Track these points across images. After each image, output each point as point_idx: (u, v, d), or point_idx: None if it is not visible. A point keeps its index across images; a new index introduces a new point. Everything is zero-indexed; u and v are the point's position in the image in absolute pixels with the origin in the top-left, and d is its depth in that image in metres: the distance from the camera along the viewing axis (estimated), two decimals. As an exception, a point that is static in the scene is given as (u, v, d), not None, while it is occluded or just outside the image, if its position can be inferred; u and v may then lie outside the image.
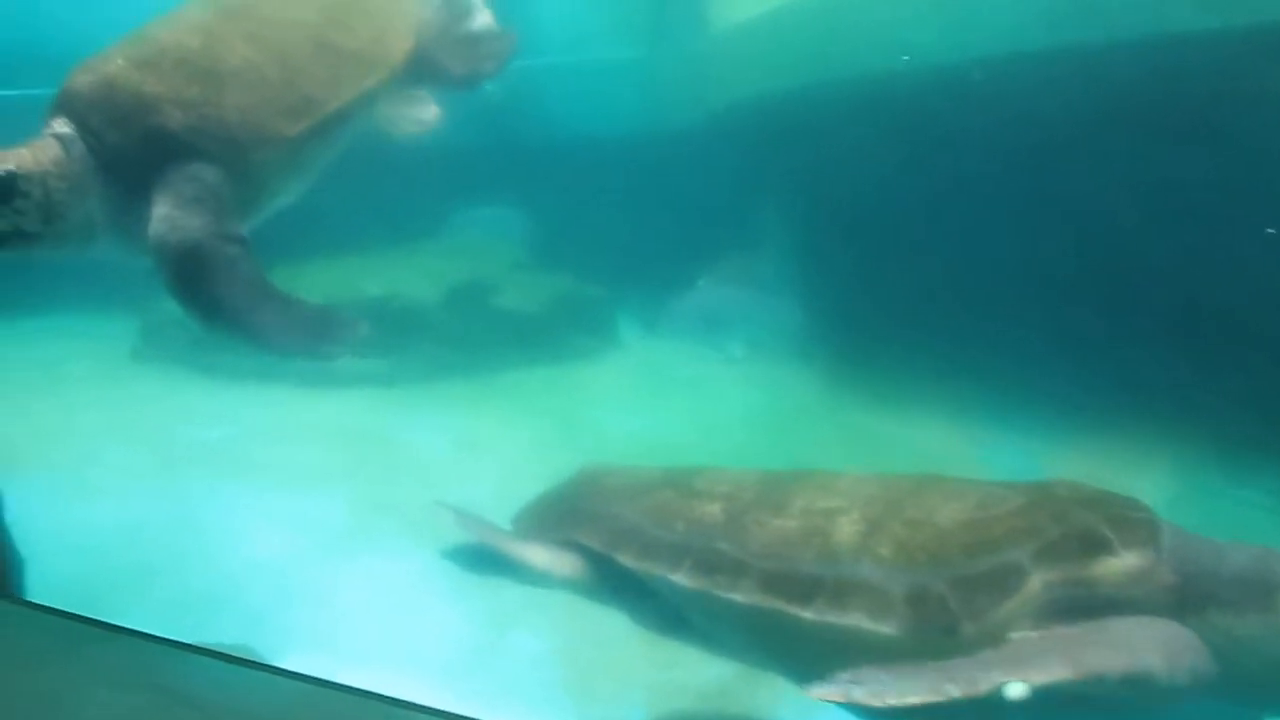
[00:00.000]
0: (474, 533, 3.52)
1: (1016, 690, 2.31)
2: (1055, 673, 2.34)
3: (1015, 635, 2.51)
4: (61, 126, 3.51)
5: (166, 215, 3.47)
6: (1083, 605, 2.52)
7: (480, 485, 4.75)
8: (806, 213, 6.56)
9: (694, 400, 6.00)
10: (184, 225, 3.47)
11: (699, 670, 3.21)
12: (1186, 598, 2.52)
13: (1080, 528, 2.61)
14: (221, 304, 3.48)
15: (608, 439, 5.33)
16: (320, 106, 3.88)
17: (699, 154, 6.75)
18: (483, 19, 4.68)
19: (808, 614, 2.67)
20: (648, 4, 7.84)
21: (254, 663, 2.76)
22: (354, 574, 3.95)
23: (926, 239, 5.54)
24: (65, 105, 3.56)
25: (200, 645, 2.79)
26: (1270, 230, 4.14)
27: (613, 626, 3.64)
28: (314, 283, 6.52)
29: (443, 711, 2.32)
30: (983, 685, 2.31)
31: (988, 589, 2.55)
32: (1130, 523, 2.61)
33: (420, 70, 4.45)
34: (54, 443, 4.87)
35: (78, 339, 6.27)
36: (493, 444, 5.21)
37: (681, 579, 2.93)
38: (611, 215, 6.91)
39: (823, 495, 2.94)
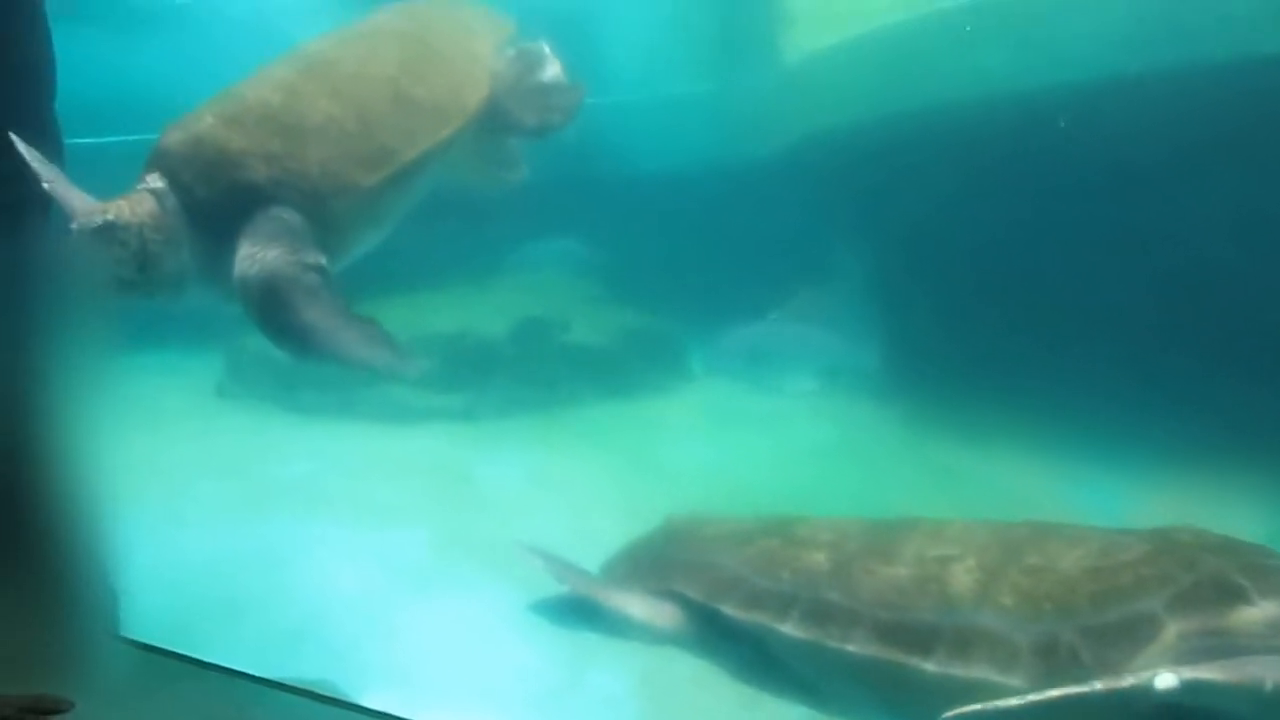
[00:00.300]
0: (566, 580, 3.47)
1: (1166, 681, 2.25)
2: (1209, 673, 2.28)
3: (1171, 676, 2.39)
4: (155, 181, 3.68)
5: (248, 253, 3.64)
6: (1218, 656, 2.41)
7: (555, 521, 4.78)
8: (879, 245, 6.52)
9: (767, 435, 5.97)
10: (263, 258, 3.62)
11: (781, 712, 3.18)
12: None
13: (1213, 575, 2.51)
14: (302, 329, 3.59)
15: (680, 474, 5.33)
16: (397, 157, 4.01)
17: (770, 187, 6.77)
18: (553, 70, 4.78)
19: (929, 666, 2.60)
20: (717, 39, 7.89)
21: (335, 700, 2.81)
22: (433, 611, 3.99)
23: (1006, 272, 5.47)
24: (158, 160, 3.73)
25: (284, 681, 2.85)
26: None
27: (690, 667, 3.64)
28: (389, 319, 6.68)
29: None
30: (1128, 679, 2.27)
31: (1120, 639, 2.46)
32: (1265, 570, 2.51)
33: (493, 120, 4.55)
34: (147, 477, 5.01)
35: (169, 375, 6.46)
36: (567, 480, 5.25)
37: (790, 629, 2.88)
38: (682, 250, 6.95)
39: (933, 542, 2.87)
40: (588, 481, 5.16)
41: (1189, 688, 2.26)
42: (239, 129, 3.76)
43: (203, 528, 4.61)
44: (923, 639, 2.63)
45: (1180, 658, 2.40)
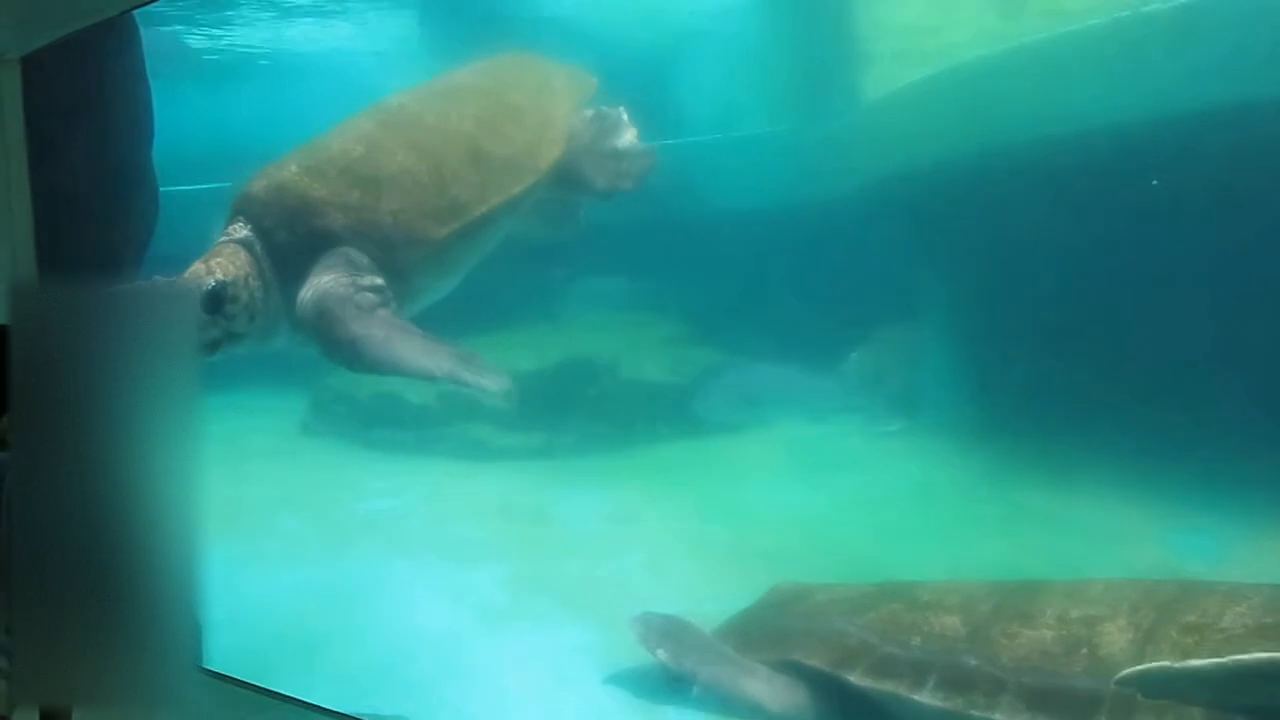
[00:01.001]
0: (677, 660, 3.29)
1: None
2: None
3: None
4: (241, 230, 3.83)
5: (310, 284, 3.78)
6: None
7: (632, 559, 4.76)
8: (961, 283, 6.41)
9: (849, 475, 5.88)
10: (317, 282, 3.77)
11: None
12: None
13: None
14: (353, 340, 3.70)
15: (759, 515, 5.27)
16: (468, 211, 4.15)
17: (850, 225, 6.71)
18: (629, 135, 4.86)
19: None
20: (798, 79, 7.89)
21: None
22: (511, 649, 3.99)
23: (1093, 311, 5.33)
24: (243, 209, 3.89)
25: (360, 716, 2.86)
26: None
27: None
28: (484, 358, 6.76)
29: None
30: None
31: None
32: None
33: (564, 179, 4.62)
34: (232, 513, 5.12)
35: (254, 414, 6.61)
36: (645, 518, 5.22)
37: (927, 698, 2.70)
38: (764, 288, 6.92)
39: (1075, 603, 2.70)
40: (664, 521, 5.13)
41: None
42: (319, 178, 3.94)
43: (285, 564, 4.69)
44: (1080, 706, 2.46)
45: None
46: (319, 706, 2.83)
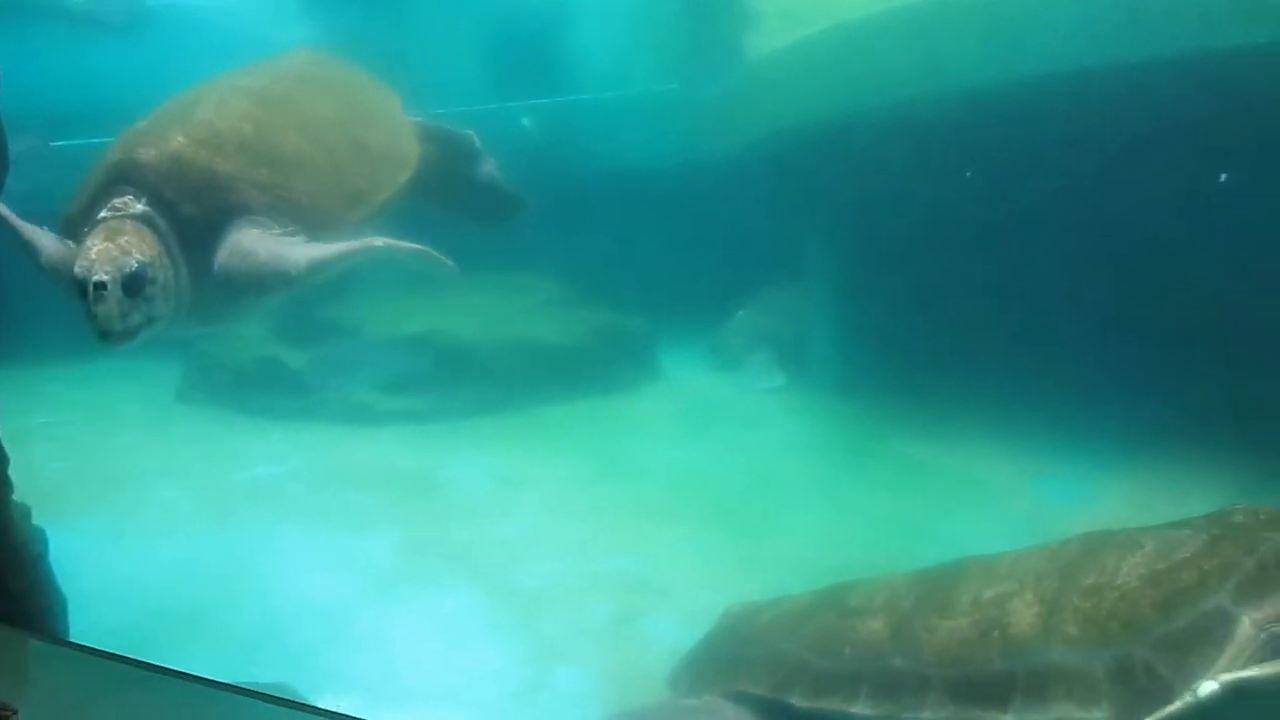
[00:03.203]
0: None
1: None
2: None
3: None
4: (136, 204, 3.56)
5: (226, 246, 3.60)
6: None
7: (523, 520, 4.74)
8: (845, 242, 6.51)
9: (737, 431, 5.95)
10: (235, 240, 3.61)
11: None
12: None
13: (1277, 553, 2.36)
14: (283, 254, 3.58)
15: (650, 473, 5.30)
16: (369, 198, 4.07)
17: (736, 185, 6.75)
18: (487, 168, 4.82)
19: (1008, 717, 2.44)
20: (683, 39, 7.87)
21: (291, 702, 2.75)
22: (398, 614, 3.94)
23: (969, 267, 5.47)
24: (130, 178, 3.60)
25: (242, 686, 2.79)
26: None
27: (654, 660, 3.61)
28: (357, 321, 6.63)
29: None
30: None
31: (1196, 645, 2.30)
32: None
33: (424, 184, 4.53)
34: (107, 485, 4.93)
35: (125, 382, 6.36)
36: (535, 480, 5.20)
37: (861, 709, 2.68)
38: (650, 247, 6.91)
39: (986, 582, 2.69)
40: (555, 481, 5.12)
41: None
42: (220, 153, 3.72)
43: (163, 535, 4.53)
44: (998, 691, 2.46)
45: (1262, 649, 2.27)
46: (194, 676, 2.73)
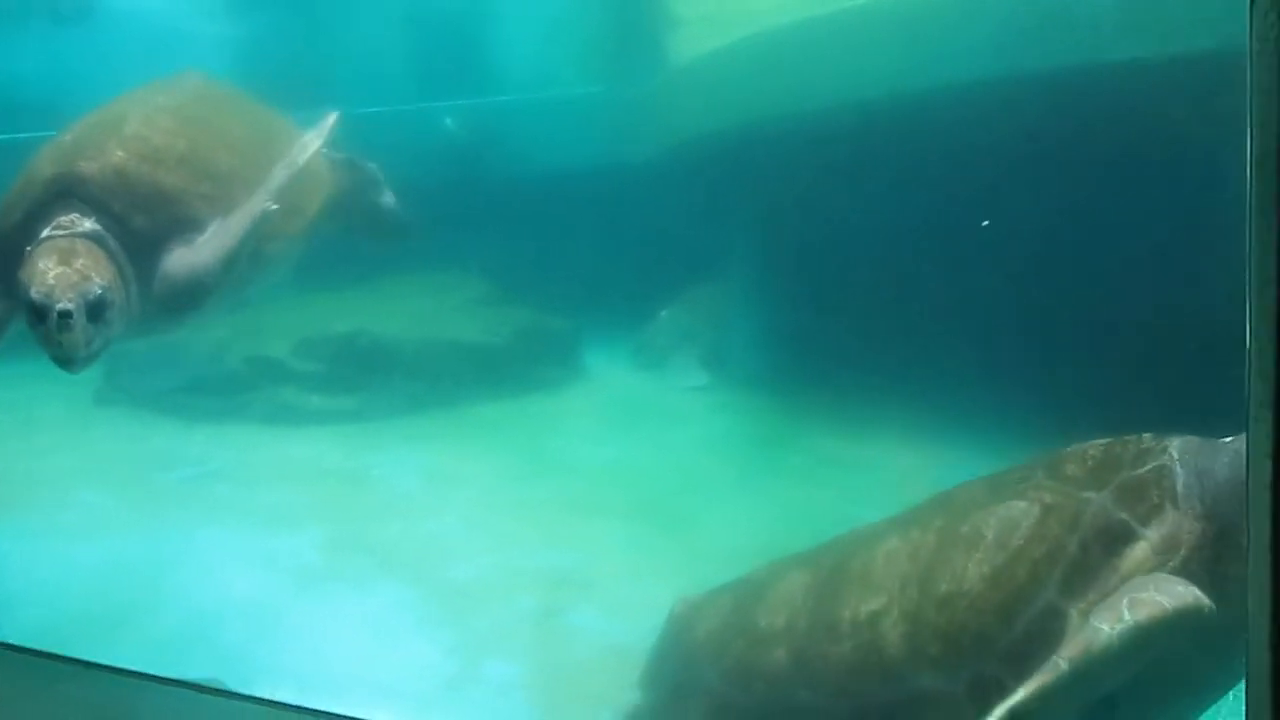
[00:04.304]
0: None
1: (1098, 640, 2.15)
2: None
3: None
4: (84, 221, 3.53)
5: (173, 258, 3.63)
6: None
7: (452, 517, 4.81)
8: (764, 244, 6.69)
9: (661, 428, 6.07)
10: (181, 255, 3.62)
11: None
12: (1221, 533, 2.29)
13: (1096, 524, 2.36)
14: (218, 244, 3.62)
15: (577, 469, 5.40)
16: (303, 212, 4.14)
17: (659, 187, 6.88)
18: (387, 199, 4.88)
19: None
20: (607, 42, 7.99)
21: (225, 692, 2.79)
22: (327, 610, 3.99)
23: (882, 271, 5.68)
24: (74, 192, 3.57)
25: (174, 679, 2.83)
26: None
27: (581, 652, 3.72)
28: (283, 321, 6.60)
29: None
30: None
31: (1035, 650, 2.31)
32: (1142, 485, 2.38)
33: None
34: (26, 486, 4.88)
35: (42, 383, 6.23)
36: (462, 477, 5.27)
37: None
38: (573, 248, 7.01)
39: (864, 595, 2.64)
40: (484, 479, 5.19)
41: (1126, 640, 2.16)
42: (162, 166, 3.73)
43: (85, 536, 4.51)
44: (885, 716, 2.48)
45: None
46: (127, 670, 2.77)
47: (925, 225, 5.47)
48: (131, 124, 3.85)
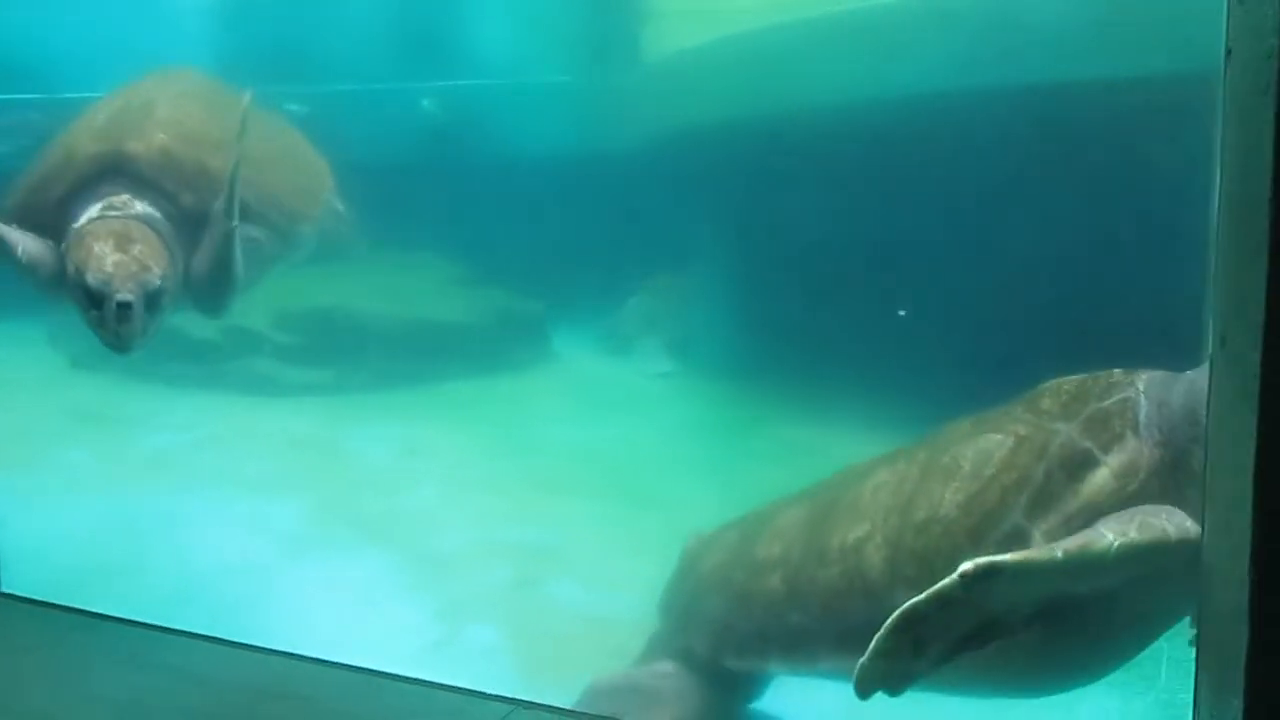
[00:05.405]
0: None
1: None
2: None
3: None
4: (135, 203, 3.55)
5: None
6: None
7: (429, 491, 4.98)
8: (732, 236, 6.91)
9: (628, 411, 6.27)
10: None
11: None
12: (1176, 460, 2.41)
13: (1062, 453, 2.50)
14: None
15: (547, 448, 5.57)
16: (320, 195, 4.24)
17: (631, 177, 7.06)
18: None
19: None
20: (586, 32, 8.13)
21: (233, 642, 2.95)
22: (313, 575, 4.14)
23: (845, 265, 5.93)
24: (125, 170, 3.60)
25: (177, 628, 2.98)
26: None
27: (558, 619, 3.93)
28: (262, 295, 6.68)
29: (415, 680, 2.56)
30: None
31: None
32: (1107, 416, 2.52)
33: None
34: (9, 445, 4.94)
35: (21, 347, 6.30)
36: (437, 452, 5.43)
37: (774, 665, 2.91)
38: (546, 233, 7.17)
39: (852, 522, 2.82)
40: (458, 455, 5.35)
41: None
42: (206, 150, 3.77)
43: (71, 496, 4.61)
44: (866, 637, 2.56)
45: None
46: (134, 620, 2.92)
47: (887, 223, 5.73)
48: (163, 109, 3.91)
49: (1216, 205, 1.37)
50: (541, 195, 7.16)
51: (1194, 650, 1.99)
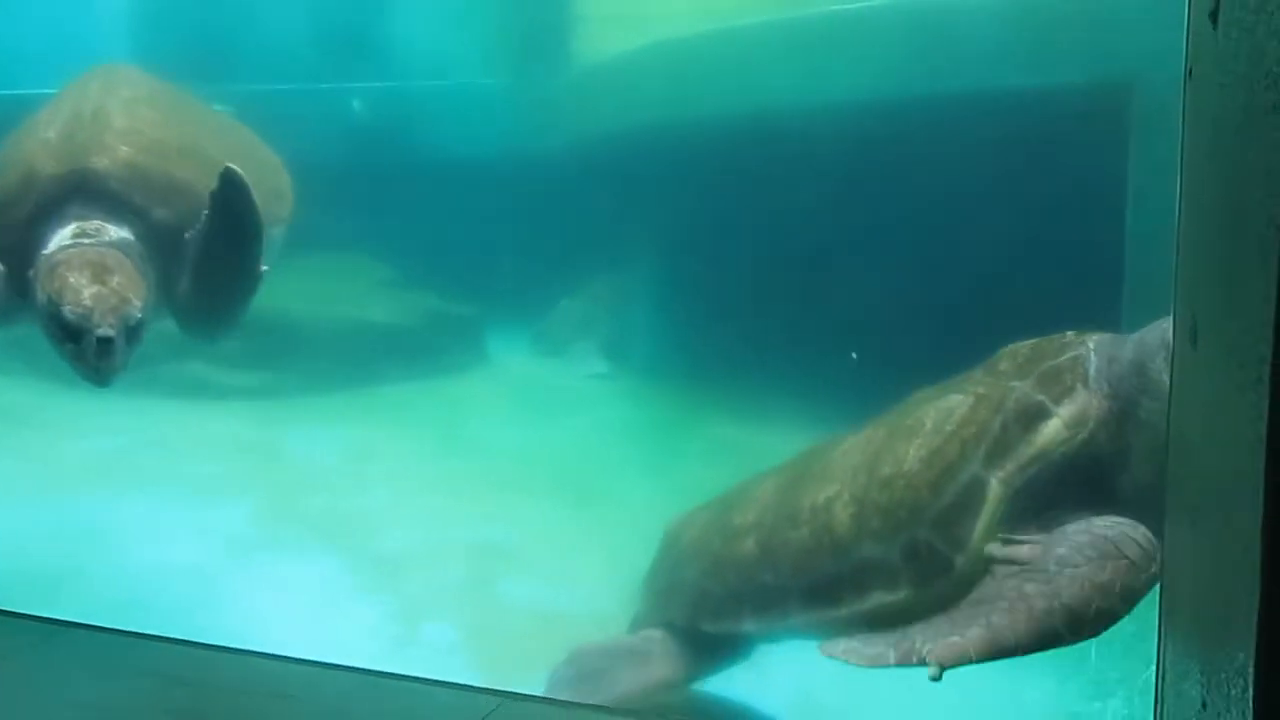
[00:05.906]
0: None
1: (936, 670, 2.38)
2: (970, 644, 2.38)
3: (994, 550, 2.57)
4: (108, 229, 3.43)
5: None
6: (1049, 478, 2.60)
7: (375, 493, 4.99)
8: (662, 238, 7.03)
9: (563, 412, 6.34)
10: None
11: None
12: (1124, 410, 2.57)
13: (1017, 406, 2.66)
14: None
15: (487, 449, 5.62)
16: (287, 195, 4.26)
17: (560, 178, 7.14)
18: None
19: (842, 612, 2.74)
20: (514, 35, 8.18)
21: (198, 643, 2.94)
22: (263, 577, 4.13)
23: (773, 265, 6.10)
24: (91, 188, 3.49)
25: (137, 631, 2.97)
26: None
27: (512, 616, 3.99)
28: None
29: (400, 675, 2.61)
30: (914, 658, 2.40)
31: (960, 514, 2.60)
32: (1059, 371, 2.68)
33: None
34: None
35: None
36: (379, 454, 5.44)
37: (748, 626, 3.02)
38: (477, 236, 7.20)
39: (822, 485, 2.95)
40: (400, 456, 5.37)
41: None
42: (170, 162, 3.70)
43: (4, 502, 4.51)
44: (834, 590, 2.77)
45: (1012, 506, 2.61)
46: (98, 626, 2.90)
47: (819, 225, 5.91)
48: (118, 118, 3.77)
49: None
50: (473, 198, 7.19)
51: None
